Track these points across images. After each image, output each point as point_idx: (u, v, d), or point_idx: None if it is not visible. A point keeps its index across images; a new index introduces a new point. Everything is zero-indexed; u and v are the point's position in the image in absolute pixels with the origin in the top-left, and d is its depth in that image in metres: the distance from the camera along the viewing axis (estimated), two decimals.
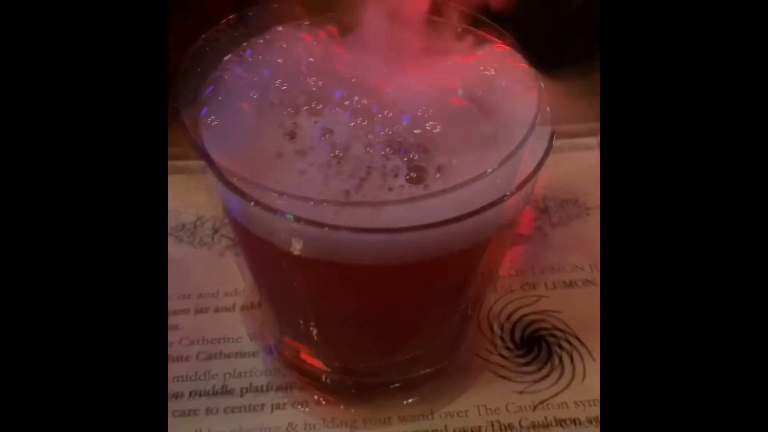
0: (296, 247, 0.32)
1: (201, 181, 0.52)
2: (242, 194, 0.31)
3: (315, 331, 0.40)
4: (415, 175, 0.32)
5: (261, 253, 0.36)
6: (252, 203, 0.31)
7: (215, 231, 0.50)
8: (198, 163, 0.53)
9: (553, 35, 0.59)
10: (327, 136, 0.34)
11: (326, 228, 0.30)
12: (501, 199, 0.31)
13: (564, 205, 0.53)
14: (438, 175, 0.32)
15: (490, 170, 0.31)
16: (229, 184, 0.31)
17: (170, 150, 0.50)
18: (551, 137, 0.34)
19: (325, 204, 0.31)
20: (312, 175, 0.32)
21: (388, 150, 0.33)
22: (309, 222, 0.30)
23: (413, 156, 0.33)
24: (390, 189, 0.32)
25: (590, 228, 0.51)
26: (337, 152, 0.33)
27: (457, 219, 0.30)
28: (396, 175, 0.32)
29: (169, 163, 0.52)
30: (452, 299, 0.38)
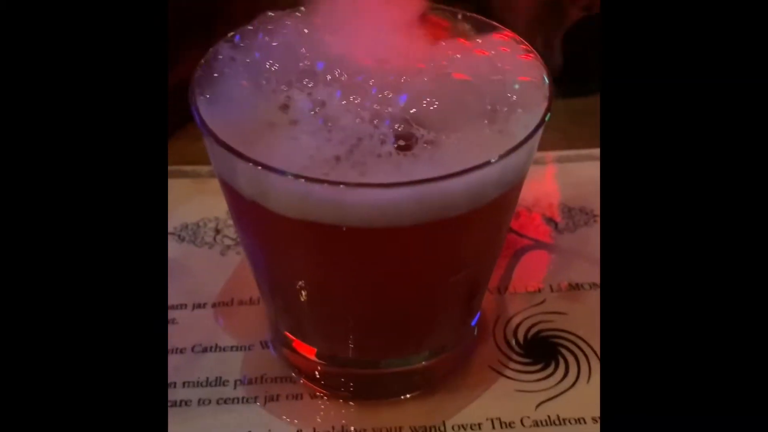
0: (288, 208, 0.32)
1: (207, 185, 0.53)
2: (237, 153, 0.31)
3: (306, 314, 0.39)
4: (404, 143, 0.32)
5: (253, 220, 0.36)
6: (249, 164, 0.31)
7: (217, 231, 0.50)
8: (205, 168, 0.54)
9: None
10: (318, 109, 0.34)
11: (320, 184, 0.30)
12: (486, 163, 0.31)
13: (571, 213, 0.52)
14: (426, 146, 0.33)
15: (493, 160, 0.31)
16: (223, 144, 0.32)
17: (180, 155, 0.51)
18: (546, 110, 0.34)
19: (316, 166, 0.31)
20: (303, 142, 0.33)
21: (377, 122, 0.33)
22: (303, 177, 0.30)
23: (399, 127, 0.33)
24: (379, 155, 0.32)
25: (596, 234, 0.50)
26: (328, 124, 0.33)
27: (442, 178, 0.30)
28: (383, 142, 0.32)
29: (178, 167, 0.53)
30: (449, 285, 0.38)
